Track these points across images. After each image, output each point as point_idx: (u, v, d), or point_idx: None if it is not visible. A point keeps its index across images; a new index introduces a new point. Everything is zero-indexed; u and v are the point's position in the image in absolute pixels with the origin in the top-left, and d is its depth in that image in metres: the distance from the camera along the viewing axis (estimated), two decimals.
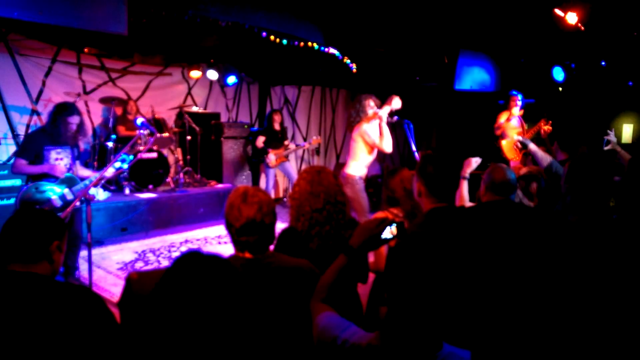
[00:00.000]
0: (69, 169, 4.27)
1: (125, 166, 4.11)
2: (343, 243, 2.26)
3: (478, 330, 1.67)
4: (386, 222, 1.67)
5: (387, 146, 4.81)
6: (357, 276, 2.51)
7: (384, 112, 4.79)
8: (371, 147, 4.82)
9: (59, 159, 4.22)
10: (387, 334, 1.33)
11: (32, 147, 4.15)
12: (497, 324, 1.78)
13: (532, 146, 4.48)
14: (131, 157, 4.20)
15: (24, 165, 4.12)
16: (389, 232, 1.66)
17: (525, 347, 1.73)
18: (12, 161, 4.36)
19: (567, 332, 1.71)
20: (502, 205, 2.58)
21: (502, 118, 6.52)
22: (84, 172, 4.46)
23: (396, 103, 4.84)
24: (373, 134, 4.79)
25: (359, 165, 4.89)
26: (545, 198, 3.27)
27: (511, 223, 2.39)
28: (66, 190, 4.15)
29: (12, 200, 5.02)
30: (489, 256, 1.89)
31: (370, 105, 4.83)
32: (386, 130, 4.81)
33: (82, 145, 4.57)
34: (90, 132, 4.58)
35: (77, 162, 4.44)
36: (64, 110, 4.20)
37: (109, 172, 4.10)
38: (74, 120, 4.25)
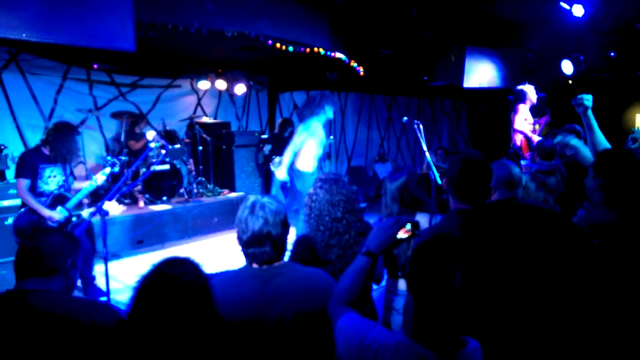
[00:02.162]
0: (62, 186, 4.33)
1: (116, 169, 4.29)
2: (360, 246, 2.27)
3: (490, 324, 1.66)
4: (400, 222, 1.68)
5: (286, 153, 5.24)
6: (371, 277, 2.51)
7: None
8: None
9: (52, 177, 4.26)
10: (417, 330, 1.34)
11: (29, 165, 4.14)
12: (511, 320, 1.76)
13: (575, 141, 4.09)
14: (115, 160, 4.34)
15: (26, 190, 4.10)
16: (403, 232, 1.68)
17: (538, 342, 1.71)
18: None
19: (587, 334, 1.69)
20: (519, 205, 2.55)
21: (524, 113, 6.46)
22: (79, 184, 4.54)
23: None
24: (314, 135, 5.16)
25: (306, 159, 5.20)
26: (568, 193, 3.19)
27: (533, 224, 2.36)
28: (58, 209, 4.21)
29: None
30: (514, 256, 1.87)
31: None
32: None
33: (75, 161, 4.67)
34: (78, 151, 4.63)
35: (71, 178, 4.52)
36: (71, 131, 4.26)
37: (100, 179, 4.25)
38: (78, 139, 4.37)
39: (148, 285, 1.36)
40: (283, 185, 8.56)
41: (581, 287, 1.70)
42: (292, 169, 5.26)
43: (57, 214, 4.18)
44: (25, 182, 4.11)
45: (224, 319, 1.46)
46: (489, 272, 1.35)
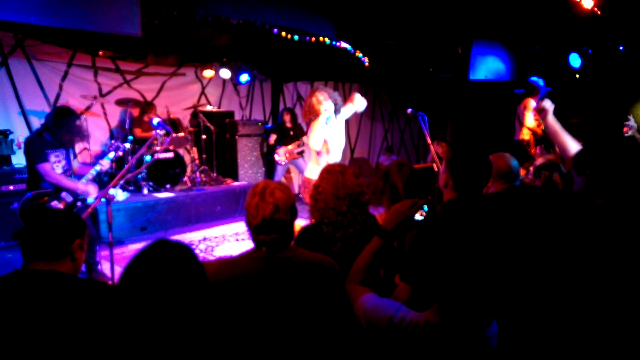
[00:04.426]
0: (66, 170, 4.34)
1: (120, 154, 4.36)
2: (375, 227, 2.27)
3: (502, 304, 1.68)
4: (418, 205, 1.69)
5: (311, 142, 4.28)
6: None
7: (330, 108, 4.33)
8: (328, 147, 4.36)
9: (57, 162, 4.28)
10: (444, 311, 1.36)
11: (41, 149, 4.17)
12: (521, 301, 1.78)
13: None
14: (118, 144, 4.40)
15: (53, 172, 4.14)
16: (420, 214, 1.69)
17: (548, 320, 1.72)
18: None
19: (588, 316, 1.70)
20: (516, 191, 2.56)
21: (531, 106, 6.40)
22: (82, 169, 4.57)
23: (359, 103, 4.40)
24: (314, 129, 4.29)
25: (318, 168, 4.28)
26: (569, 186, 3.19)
27: (533, 208, 2.37)
28: (64, 194, 4.24)
29: None
30: (520, 240, 1.88)
31: (319, 100, 4.32)
32: (319, 128, 4.26)
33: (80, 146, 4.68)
34: (82, 135, 4.68)
35: (75, 160, 4.53)
36: (70, 115, 4.25)
37: (105, 163, 4.29)
38: (78, 123, 4.37)
39: (141, 255, 1.38)
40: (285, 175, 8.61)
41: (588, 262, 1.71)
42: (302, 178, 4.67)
43: (93, 188, 4.26)
44: (47, 165, 4.14)
45: (214, 282, 1.47)
46: (498, 256, 1.36)
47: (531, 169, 3.42)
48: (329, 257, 2.01)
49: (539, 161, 3.63)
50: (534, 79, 6.44)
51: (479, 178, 2.16)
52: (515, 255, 1.80)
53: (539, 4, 5.72)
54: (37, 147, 4.17)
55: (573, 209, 1.95)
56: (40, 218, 1.84)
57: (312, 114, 4.33)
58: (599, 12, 5.33)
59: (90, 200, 4.38)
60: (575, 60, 6.78)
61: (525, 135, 6.42)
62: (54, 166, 4.25)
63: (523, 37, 7.18)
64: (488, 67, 7.22)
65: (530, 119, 6.35)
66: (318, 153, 4.38)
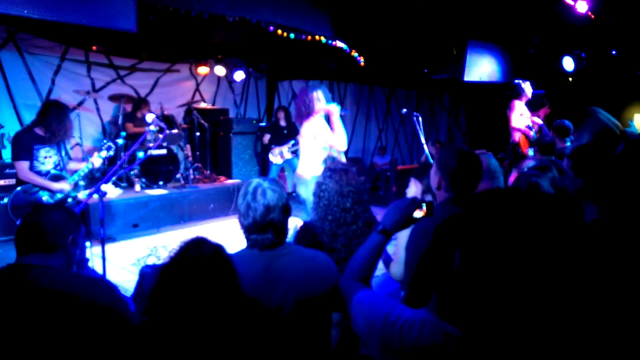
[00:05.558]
0: (57, 166, 4.29)
1: (111, 153, 4.32)
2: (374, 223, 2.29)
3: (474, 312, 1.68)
4: (417, 202, 1.69)
5: (341, 143, 4.28)
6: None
7: (334, 107, 4.36)
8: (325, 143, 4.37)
9: (48, 157, 4.22)
10: (441, 307, 1.35)
11: (24, 146, 4.09)
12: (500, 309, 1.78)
13: None
14: (111, 144, 4.35)
15: (28, 171, 4.07)
16: (420, 212, 1.68)
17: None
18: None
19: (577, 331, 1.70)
20: (506, 193, 2.58)
21: (519, 109, 6.47)
22: (74, 165, 4.52)
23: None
24: (325, 130, 4.35)
25: (312, 164, 4.42)
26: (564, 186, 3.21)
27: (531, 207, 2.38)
28: (67, 180, 4.22)
29: None
30: (511, 245, 1.88)
31: (320, 98, 4.39)
32: (339, 126, 4.29)
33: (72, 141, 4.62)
34: (73, 129, 4.62)
35: (66, 157, 4.48)
36: (62, 109, 4.20)
37: (96, 162, 4.26)
38: (70, 117, 4.33)
39: (173, 265, 1.39)
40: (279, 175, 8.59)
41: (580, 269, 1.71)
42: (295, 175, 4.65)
43: (67, 185, 4.19)
44: (25, 164, 4.08)
45: (247, 295, 1.51)
46: (493, 255, 1.35)
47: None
48: (326, 253, 2.01)
49: (532, 162, 3.64)
50: (518, 81, 6.54)
51: (472, 177, 2.15)
52: (507, 260, 1.80)
53: (534, 7, 5.75)
54: (22, 142, 4.09)
55: (559, 214, 1.95)
56: (34, 213, 1.83)
57: (309, 111, 4.42)
58: (592, 17, 5.38)
59: (82, 196, 4.35)
60: (568, 64, 6.83)
61: (517, 137, 6.49)
62: (45, 161, 4.20)
63: (517, 40, 7.22)
64: (482, 68, 7.26)
65: (516, 120, 6.42)
66: (315, 149, 4.42)
